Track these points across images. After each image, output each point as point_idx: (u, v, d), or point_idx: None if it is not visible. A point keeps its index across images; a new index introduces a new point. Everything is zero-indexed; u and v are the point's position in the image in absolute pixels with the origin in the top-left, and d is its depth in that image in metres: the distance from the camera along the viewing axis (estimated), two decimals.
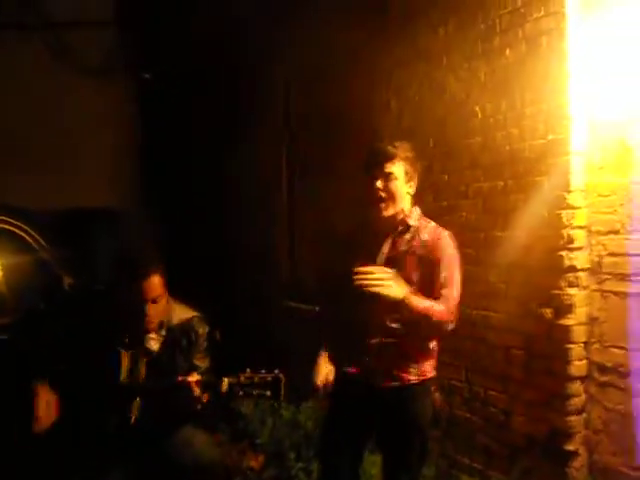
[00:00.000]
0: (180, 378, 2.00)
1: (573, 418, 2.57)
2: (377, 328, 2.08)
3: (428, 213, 2.16)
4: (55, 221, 3.74)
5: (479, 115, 2.97)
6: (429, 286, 2.05)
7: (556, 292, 2.59)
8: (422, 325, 2.02)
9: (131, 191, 5.62)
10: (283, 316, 4.56)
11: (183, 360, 2.19)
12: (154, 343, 2.18)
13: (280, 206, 4.83)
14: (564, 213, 2.56)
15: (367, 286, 1.90)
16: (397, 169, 2.10)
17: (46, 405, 2.06)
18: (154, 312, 2.14)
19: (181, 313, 2.27)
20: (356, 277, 1.90)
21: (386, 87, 3.60)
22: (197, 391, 1.99)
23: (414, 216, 2.16)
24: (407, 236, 2.13)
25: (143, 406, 2.09)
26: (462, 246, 3.02)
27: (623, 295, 2.44)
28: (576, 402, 2.57)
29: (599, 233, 2.53)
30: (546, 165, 2.63)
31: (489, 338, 2.94)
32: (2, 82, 5.09)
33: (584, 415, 2.58)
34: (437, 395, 2.34)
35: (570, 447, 2.56)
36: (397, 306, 1.96)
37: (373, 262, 2.07)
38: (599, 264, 2.53)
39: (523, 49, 2.73)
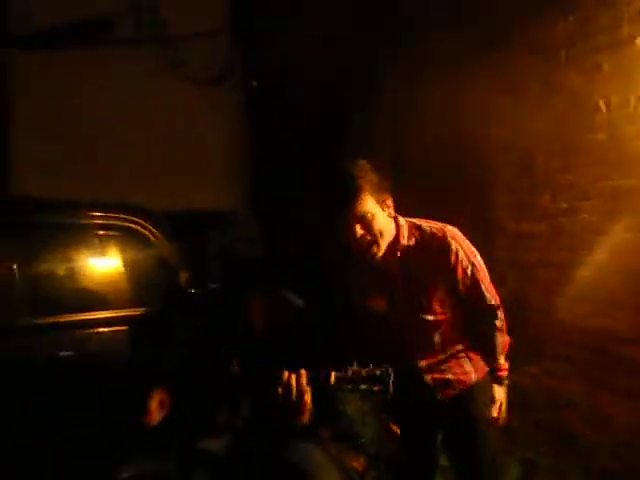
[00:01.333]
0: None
1: None
2: (423, 349, 1.95)
3: (545, 213, 2.02)
4: (171, 220, 3.96)
5: (603, 109, 2.78)
6: (464, 297, 1.87)
7: None
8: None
9: (242, 194, 5.85)
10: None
11: (291, 354, 2.20)
12: (261, 333, 2.21)
13: None
14: None
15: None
16: (368, 204, 1.74)
17: (159, 403, 2.14)
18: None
19: (288, 308, 2.29)
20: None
21: (500, 86, 3.43)
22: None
23: (405, 232, 1.86)
24: (411, 256, 1.84)
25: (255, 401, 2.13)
26: (581, 249, 2.91)
27: None
28: None
29: None
30: None
31: (611, 349, 2.73)
32: (119, 95, 5.48)
33: None
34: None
35: None
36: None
37: (392, 299, 1.89)
38: None
39: None
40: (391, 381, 1.98)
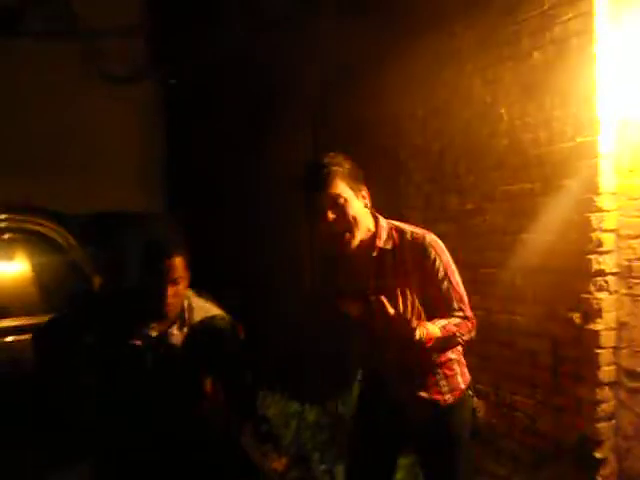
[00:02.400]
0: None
1: (602, 425, 2.53)
2: (393, 349, 1.86)
3: (452, 214, 2.12)
4: (84, 224, 3.81)
5: (505, 118, 2.96)
6: (434, 302, 1.81)
7: (585, 296, 2.56)
8: (446, 346, 1.82)
9: (157, 196, 5.71)
10: (305, 322, 4.57)
11: (203, 358, 2.20)
12: (176, 339, 2.20)
13: (302, 216, 4.84)
14: (593, 216, 2.53)
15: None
16: (342, 189, 1.78)
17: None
18: (173, 294, 2.12)
19: (204, 311, 2.27)
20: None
21: (411, 93, 3.61)
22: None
23: (383, 234, 1.86)
24: (387, 260, 1.84)
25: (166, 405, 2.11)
26: (488, 249, 3.09)
27: None
28: (605, 408, 2.53)
29: (628, 237, 2.50)
30: (575, 168, 2.61)
31: (516, 342, 2.91)
32: (31, 89, 5.22)
33: (614, 421, 2.53)
34: (477, 402, 2.15)
35: (599, 454, 2.52)
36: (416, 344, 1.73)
37: (368, 301, 1.78)
38: (628, 268, 2.50)
39: (551, 52, 2.72)
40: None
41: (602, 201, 2.52)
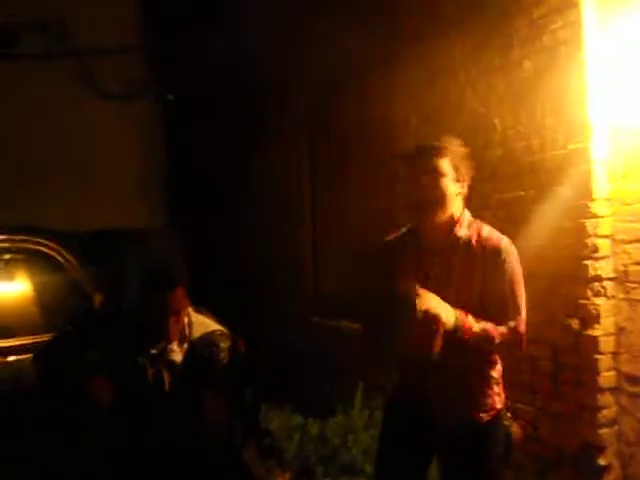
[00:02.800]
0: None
1: (604, 431, 2.52)
2: (432, 360, 1.77)
3: None
4: (85, 242, 3.84)
5: (498, 128, 2.99)
6: (491, 306, 1.78)
7: (582, 302, 2.56)
8: (483, 352, 1.79)
9: (157, 211, 5.74)
10: (307, 331, 4.58)
11: (204, 374, 2.22)
12: (176, 355, 2.22)
13: (303, 220, 4.87)
14: (588, 222, 2.54)
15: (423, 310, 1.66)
16: (445, 163, 1.81)
17: None
18: (175, 325, 2.17)
19: (203, 327, 2.30)
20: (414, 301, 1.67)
21: (405, 103, 3.64)
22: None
23: (464, 223, 1.86)
24: (459, 251, 1.82)
25: (167, 420, 2.13)
26: None
27: None
28: (607, 414, 2.52)
29: (623, 242, 2.51)
30: (568, 175, 2.62)
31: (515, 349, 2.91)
32: (28, 110, 5.27)
33: (616, 427, 2.53)
34: (514, 426, 2.10)
35: (603, 461, 2.52)
36: (451, 334, 1.71)
37: (425, 283, 1.77)
38: (625, 273, 2.51)
39: (541, 60, 2.75)
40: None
41: (596, 207, 2.54)
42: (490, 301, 1.80)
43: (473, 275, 1.80)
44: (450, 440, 1.87)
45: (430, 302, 1.69)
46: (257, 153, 5.22)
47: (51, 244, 3.20)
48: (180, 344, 2.27)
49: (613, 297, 2.54)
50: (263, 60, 4.97)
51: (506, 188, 2.94)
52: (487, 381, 1.88)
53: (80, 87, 5.65)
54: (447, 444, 1.89)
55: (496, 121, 2.99)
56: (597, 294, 2.53)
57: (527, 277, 2.81)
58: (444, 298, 1.75)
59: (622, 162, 2.52)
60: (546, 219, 2.71)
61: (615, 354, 2.53)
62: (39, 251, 3.21)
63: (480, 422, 1.85)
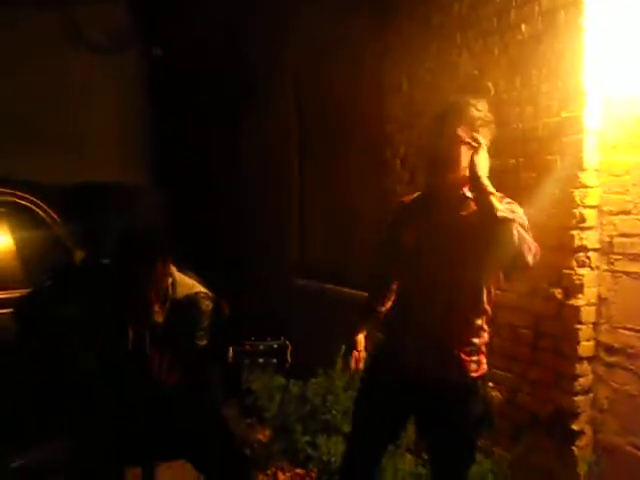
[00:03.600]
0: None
1: (579, 398, 2.57)
2: (443, 293, 1.86)
3: None
4: (67, 196, 3.76)
5: (492, 91, 2.93)
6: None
7: (566, 272, 2.57)
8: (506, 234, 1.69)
9: (142, 167, 5.64)
10: (292, 294, 4.59)
11: (185, 335, 2.21)
12: (158, 316, 2.20)
13: (291, 185, 4.82)
14: (577, 192, 2.53)
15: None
16: (463, 131, 1.84)
17: None
18: (156, 292, 2.16)
19: (186, 288, 2.28)
20: None
21: (397, 65, 3.56)
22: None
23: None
24: (465, 208, 1.87)
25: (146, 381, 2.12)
26: None
27: (634, 276, 2.43)
28: (583, 382, 2.57)
29: (610, 213, 2.50)
30: (559, 143, 2.59)
31: (496, 317, 2.91)
32: (13, 59, 5.09)
33: (591, 395, 2.58)
34: (494, 392, 2.20)
35: (575, 426, 2.57)
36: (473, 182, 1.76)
37: (429, 235, 1.88)
38: (610, 244, 2.51)
39: (539, 24, 2.67)
40: (289, 353, 2.04)
41: (586, 177, 2.52)
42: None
43: (477, 232, 1.80)
44: (427, 400, 1.92)
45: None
46: (245, 116, 5.12)
47: (31, 197, 3.13)
48: (162, 304, 2.26)
49: (597, 268, 2.55)
50: (252, 23, 4.82)
51: (497, 154, 2.89)
52: (467, 347, 1.92)
53: (64, 37, 5.45)
54: (425, 404, 1.94)
55: (490, 85, 2.93)
56: (581, 264, 2.54)
57: None
58: (450, 253, 1.84)
59: (613, 133, 2.50)
60: (535, 188, 2.69)
61: (595, 324, 2.55)
62: (18, 204, 3.13)
63: (460, 382, 1.90)
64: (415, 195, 2.09)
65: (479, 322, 1.93)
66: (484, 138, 1.85)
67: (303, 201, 4.79)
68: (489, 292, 1.95)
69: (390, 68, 3.61)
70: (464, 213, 1.88)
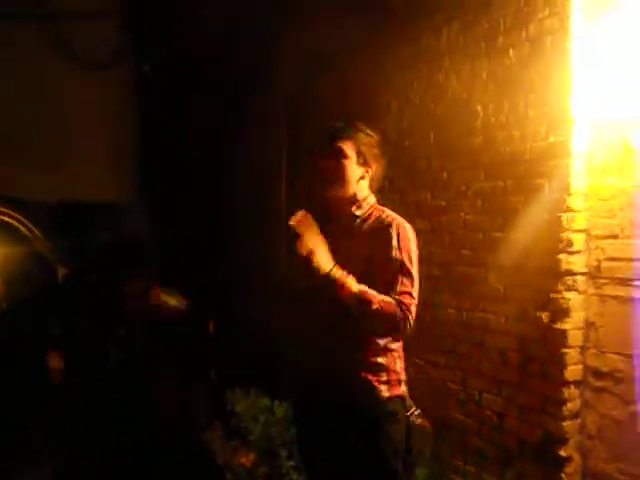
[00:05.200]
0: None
1: (567, 423, 2.54)
2: (331, 323, 1.83)
3: (426, 211, 2.10)
4: (51, 213, 3.71)
5: (480, 115, 2.95)
6: (378, 278, 1.79)
7: (554, 295, 2.56)
8: (364, 318, 1.75)
9: (129, 184, 5.59)
10: (278, 313, 4.54)
11: (166, 351, 2.18)
12: (140, 332, 2.17)
13: (279, 203, 4.81)
14: (564, 216, 2.53)
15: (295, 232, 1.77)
16: (348, 147, 1.91)
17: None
18: (135, 309, 2.13)
19: (170, 307, 2.25)
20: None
21: (387, 87, 3.58)
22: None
23: (365, 204, 1.94)
24: (354, 225, 1.91)
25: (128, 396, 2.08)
26: (460, 247, 3.09)
27: (621, 300, 2.42)
28: (570, 407, 2.54)
29: (597, 237, 2.50)
30: (547, 167, 2.60)
31: (486, 340, 2.91)
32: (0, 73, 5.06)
33: (578, 420, 2.55)
34: (422, 421, 2.02)
35: (564, 452, 2.54)
36: (325, 282, 1.75)
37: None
38: (597, 268, 2.51)
39: (527, 49, 2.71)
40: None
41: (573, 201, 2.53)
42: (377, 274, 1.80)
43: (359, 252, 1.85)
44: (334, 426, 1.83)
45: (310, 241, 1.78)
46: (235, 132, 5.11)
47: (14, 213, 3.08)
48: (146, 322, 2.23)
49: (584, 292, 2.54)
50: (244, 39, 4.84)
51: (485, 177, 2.91)
52: (370, 367, 1.84)
53: (52, 52, 5.43)
54: (333, 430, 1.83)
55: (478, 108, 2.95)
56: (569, 288, 2.53)
57: (500, 268, 2.84)
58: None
59: (600, 157, 2.51)
60: (523, 211, 2.69)
61: (583, 348, 2.54)
62: (2, 221, 3.08)
63: (363, 406, 1.81)
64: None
65: (381, 342, 1.85)
66: (371, 159, 1.93)
67: (291, 216, 4.77)
68: None
69: (380, 89, 3.63)
70: (349, 233, 1.91)
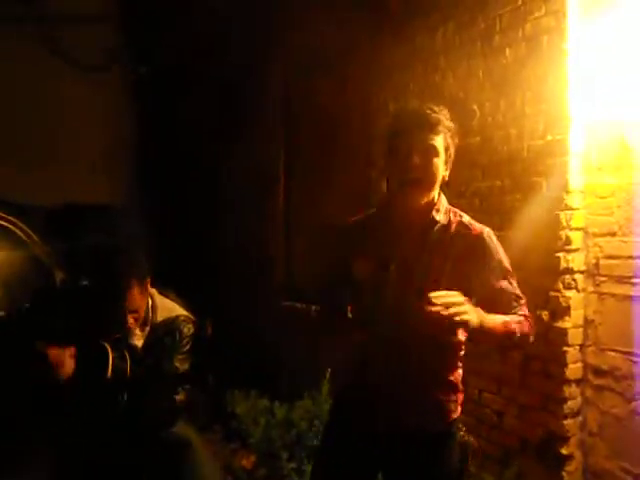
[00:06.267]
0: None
1: (568, 421, 2.54)
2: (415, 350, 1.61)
3: None
4: (49, 217, 3.69)
5: (477, 114, 2.95)
6: (486, 301, 1.57)
7: (553, 294, 2.56)
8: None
9: (125, 187, 5.57)
10: (278, 315, 4.53)
11: (165, 359, 2.15)
12: (138, 339, 2.15)
13: (276, 205, 4.80)
14: (562, 214, 2.53)
15: (445, 316, 1.40)
16: (439, 142, 1.59)
17: None
18: (133, 320, 2.12)
19: (167, 311, 2.23)
20: (427, 303, 1.40)
21: (384, 87, 3.58)
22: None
23: (442, 208, 1.67)
24: (433, 237, 1.63)
25: (128, 404, 2.06)
26: None
27: (620, 298, 2.42)
28: (571, 405, 2.54)
29: (595, 235, 2.51)
30: (545, 165, 2.61)
31: None
32: None
33: (579, 418, 2.55)
34: (469, 437, 1.91)
35: (565, 451, 2.54)
36: (470, 333, 1.56)
37: (387, 267, 1.60)
38: (596, 266, 2.51)
39: (523, 48, 2.71)
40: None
41: (571, 199, 2.53)
42: (484, 297, 1.59)
43: (444, 265, 1.60)
44: (396, 451, 1.65)
45: (452, 300, 1.43)
46: (231, 135, 5.10)
47: (10, 217, 3.06)
48: (142, 327, 2.21)
49: (583, 290, 2.54)
50: (241, 41, 4.83)
51: (483, 176, 2.92)
52: (445, 386, 1.68)
53: (48, 54, 5.41)
54: (392, 455, 1.66)
55: (475, 108, 2.95)
56: (568, 286, 2.53)
57: None
58: (405, 285, 1.59)
59: (597, 155, 2.52)
60: (521, 210, 2.69)
61: (582, 346, 2.54)
62: None
63: (432, 431, 1.64)
64: (368, 214, 1.81)
65: (454, 356, 1.70)
66: (453, 153, 1.65)
67: (289, 222, 4.77)
68: None
69: (377, 89, 3.63)
70: (430, 243, 1.63)
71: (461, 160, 2.99)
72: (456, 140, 1.66)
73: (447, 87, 3.12)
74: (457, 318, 1.42)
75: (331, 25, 3.77)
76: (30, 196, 3.87)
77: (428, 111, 1.60)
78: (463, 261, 1.61)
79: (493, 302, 1.61)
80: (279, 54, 4.54)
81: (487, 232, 1.68)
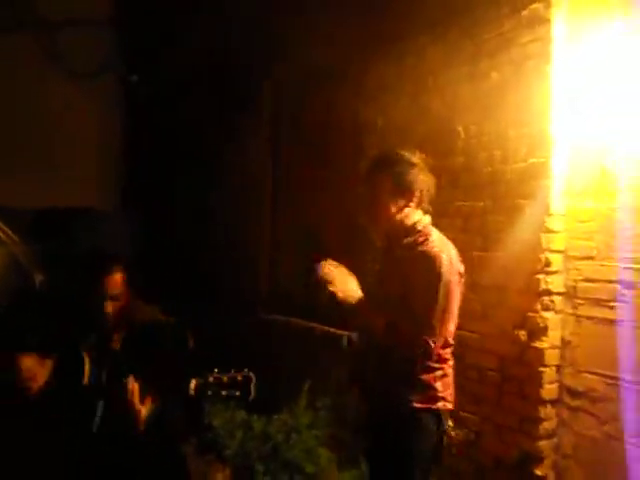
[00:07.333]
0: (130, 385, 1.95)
1: (543, 442, 2.56)
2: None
3: None
4: (30, 219, 3.66)
5: (462, 135, 2.99)
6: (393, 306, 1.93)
7: (531, 315, 2.59)
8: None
9: (114, 193, 5.56)
10: (260, 327, 4.51)
11: (143, 364, 2.13)
12: (115, 344, 2.13)
13: (263, 217, 4.80)
14: (543, 237, 2.57)
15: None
16: (382, 178, 1.97)
17: None
18: (113, 310, 2.08)
19: (146, 315, 2.21)
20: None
21: (372, 105, 3.62)
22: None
23: (413, 232, 1.99)
24: (395, 254, 2.01)
25: (105, 411, 2.04)
26: None
27: (597, 320, 2.46)
28: (547, 426, 2.56)
29: (575, 258, 2.55)
30: (527, 188, 2.65)
31: (464, 358, 2.92)
32: None
33: (554, 439, 2.57)
34: (456, 431, 2.22)
35: (539, 472, 2.56)
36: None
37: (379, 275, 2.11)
38: (574, 289, 2.55)
39: (509, 72, 2.76)
40: (252, 385, 1.99)
41: (552, 222, 2.57)
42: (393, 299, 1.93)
43: (394, 278, 1.96)
44: (377, 430, 2.01)
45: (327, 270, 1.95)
46: (220, 145, 5.11)
47: None
48: (120, 331, 2.19)
49: (561, 311, 2.58)
50: (231, 54, 4.86)
51: (465, 197, 2.95)
52: (410, 381, 1.94)
53: (41, 60, 5.41)
54: (374, 434, 2.04)
55: (460, 129, 3.00)
56: (546, 308, 2.57)
57: (479, 287, 2.87)
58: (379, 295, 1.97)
59: (579, 180, 2.56)
60: (502, 231, 2.73)
61: (559, 367, 2.57)
62: None
63: (400, 413, 1.94)
64: None
65: (428, 363, 1.97)
66: (417, 186, 2.00)
67: (275, 235, 4.77)
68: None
69: (366, 106, 3.67)
70: (392, 259, 2.03)
71: (444, 180, 3.06)
72: (422, 175, 2.01)
73: (434, 107, 3.17)
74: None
75: (322, 43, 3.82)
76: (18, 199, 3.85)
77: (378, 156, 2.09)
78: (404, 270, 1.94)
79: (395, 305, 1.91)
80: (269, 71, 4.57)
81: (431, 253, 1.92)
